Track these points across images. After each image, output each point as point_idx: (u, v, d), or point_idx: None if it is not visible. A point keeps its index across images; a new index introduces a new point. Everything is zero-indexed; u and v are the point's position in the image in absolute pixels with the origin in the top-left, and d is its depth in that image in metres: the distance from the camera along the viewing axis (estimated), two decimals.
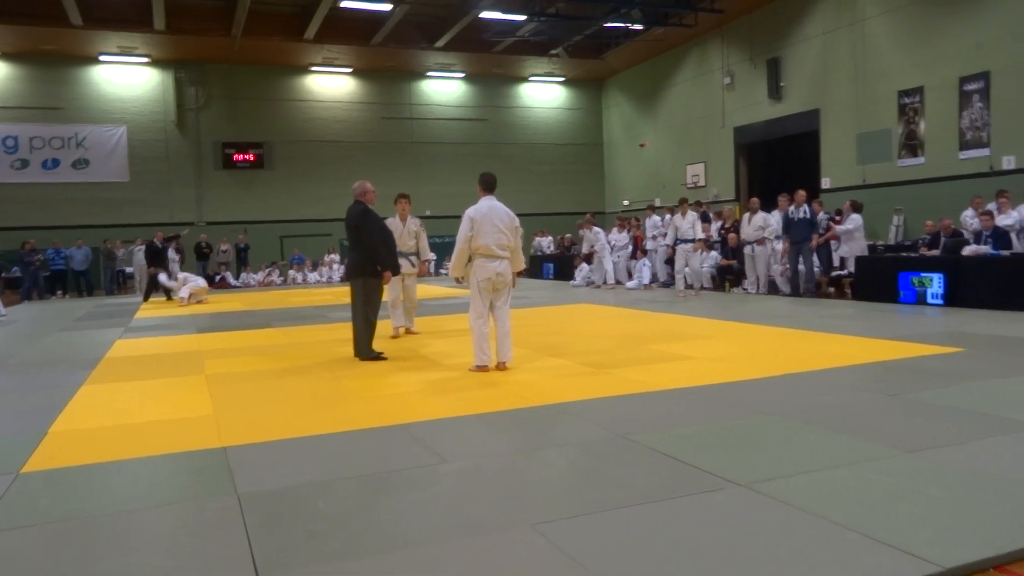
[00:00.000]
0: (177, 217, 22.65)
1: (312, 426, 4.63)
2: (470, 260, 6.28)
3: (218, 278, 22.12)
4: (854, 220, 12.95)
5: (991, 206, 11.43)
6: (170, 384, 6.39)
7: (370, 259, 7.12)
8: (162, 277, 16.80)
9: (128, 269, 21.63)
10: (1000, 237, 10.20)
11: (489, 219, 6.19)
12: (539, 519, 2.91)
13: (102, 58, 22.01)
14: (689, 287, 13.70)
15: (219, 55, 22.34)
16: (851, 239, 12.88)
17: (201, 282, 16.50)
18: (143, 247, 20.41)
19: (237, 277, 22.72)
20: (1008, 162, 13.70)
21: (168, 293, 16.82)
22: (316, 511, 3.13)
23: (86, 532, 3.01)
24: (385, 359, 7.15)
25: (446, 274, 9.39)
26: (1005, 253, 9.84)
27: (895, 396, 4.78)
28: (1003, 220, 10.91)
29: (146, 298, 17.00)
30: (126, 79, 22.65)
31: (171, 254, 19.44)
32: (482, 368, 6.25)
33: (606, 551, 2.59)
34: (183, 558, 2.71)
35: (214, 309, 14.40)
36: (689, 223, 13.30)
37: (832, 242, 13.38)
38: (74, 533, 3.01)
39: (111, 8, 19.15)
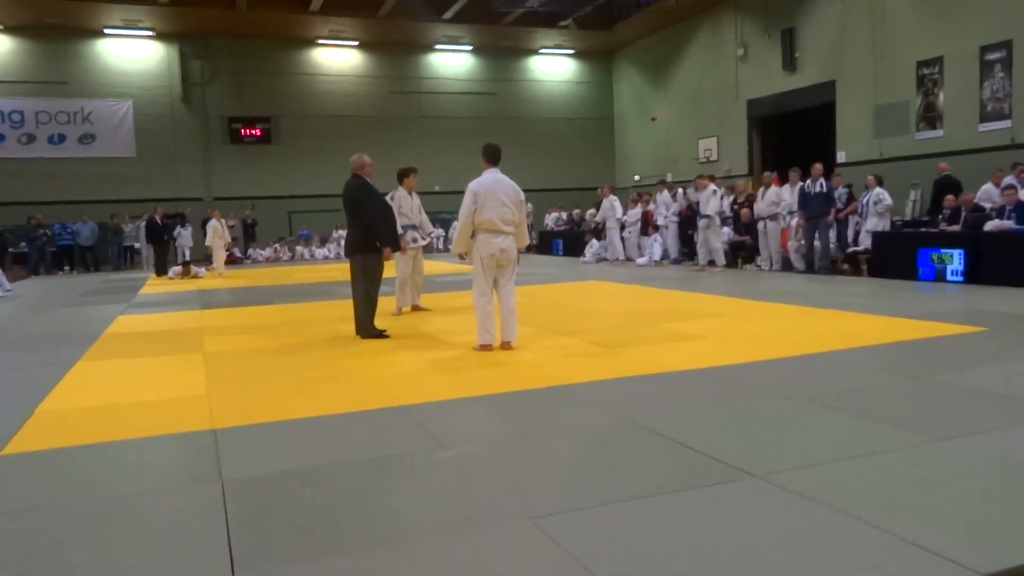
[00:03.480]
0: (184, 192, 22.50)
1: (307, 407, 4.45)
2: (473, 235, 6.05)
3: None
4: (883, 194, 12.47)
5: (1009, 179, 11.02)
6: (166, 362, 6.23)
7: (369, 235, 6.91)
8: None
9: (136, 245, 21.51)
10: None
11: (493, 192, 5.94)
12: (539, 512, 2.71)
13: (107, 31, 21.75)
14: (703, 262, 13.48)
15: (224, 28, 22.03)
16: (881, 214, 12.45)
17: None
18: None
19: (244, 253, 22.58)
20: None
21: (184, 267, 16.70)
22: (302, 501, 2.94)
23: (58, 522, 2.84)
24: (387, 337, 6.96)
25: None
26: None
27: (918, 378, 4.55)
28: None
29: (160, 272, 17.02)
30: (131, 53, 22.39)
31: (182, 229, 19.33)
32: (486, 347, 6.05)
33: (610, 549, 2.39)
34: (156, 554, 2.53)
35: (219, 285, 14.24)
36: (705, 198, 13.04)
37: (852, 217, 13.00)
38: (46, 523, 2.83)
39: None
